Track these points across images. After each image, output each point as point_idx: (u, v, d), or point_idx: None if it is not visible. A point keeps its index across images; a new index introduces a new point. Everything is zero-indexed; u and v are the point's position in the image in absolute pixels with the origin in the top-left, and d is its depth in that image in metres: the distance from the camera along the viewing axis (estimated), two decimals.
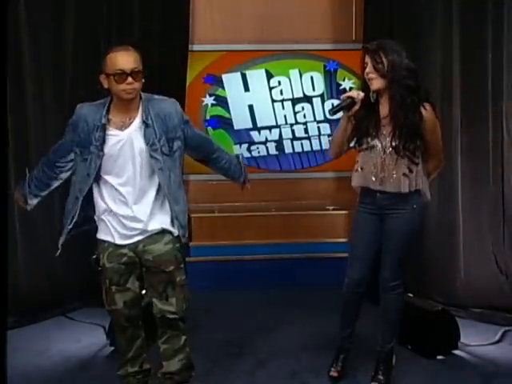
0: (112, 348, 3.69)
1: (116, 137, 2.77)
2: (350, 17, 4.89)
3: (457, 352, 3.67)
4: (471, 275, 4.24)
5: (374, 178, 3.13)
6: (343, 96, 3.12)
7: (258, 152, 5.05)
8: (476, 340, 3.80)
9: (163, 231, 2.85)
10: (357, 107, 3.06)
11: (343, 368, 3.38)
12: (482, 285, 4.21)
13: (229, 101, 4.95)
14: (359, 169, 3.18)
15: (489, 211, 4.23)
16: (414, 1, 4.33)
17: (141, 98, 2.81)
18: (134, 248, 2.84)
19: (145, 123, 2.77)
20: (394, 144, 3.05)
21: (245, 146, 5.01)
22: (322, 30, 4.92)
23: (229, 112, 4.96)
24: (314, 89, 4.98)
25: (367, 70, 3.04)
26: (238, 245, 4.81)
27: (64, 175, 3.01)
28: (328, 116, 4.94)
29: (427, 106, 3.05)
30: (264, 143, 5.04)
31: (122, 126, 2.78)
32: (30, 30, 4.10)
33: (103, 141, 2.76)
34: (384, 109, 3.10)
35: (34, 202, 3.10)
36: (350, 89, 4.90)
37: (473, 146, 4.24)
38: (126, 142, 2.77)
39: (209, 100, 4.93)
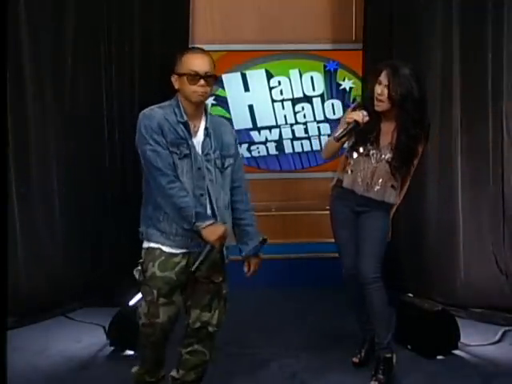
0: (112, 348, 3.70)
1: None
2: (350, 17, 4.88)
3: (457, 352, 3.67)
4: (471, 275, 4.25)
5: (360, 183, 3.24)
6: (348, 119, 3.13)
7: (258, 152, 5.04)
8: (476, 340, 3.80)
9: None
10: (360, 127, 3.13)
11: (367, 356, 3.46)
12: (482, 285, 4.21)
13: (229, 101, 4.94)
14: (349, 171, 3.26)
15: (489, 211, 4.23)
16: (414, 1, 4.34)
17: (205, 107, 2.80)
18: (187, 257, 2.76)
19: (207, 131, 2.75)
20: (393, 163, 3.18)
21: (245, 146, 5.01)
22: (322, 30, 4.91)
23: (229, 112, 4.96)
24: (314, 89, 4.98)
25: (379, 91, 3.11)
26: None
27: None
28: (328, 116, 4.96)
29: (422, 145, 3.22)
30: (264, 143, 5.04)
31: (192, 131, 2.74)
32: (29, 30, 4.10)
33: (189, 140, 2.71)
34: (387, 127, 3.20)
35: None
36: (350, 89, 4.91)
37: (473, 146, 4.24)
38: (195, 149, 2.73)
39: (209, 100, 4.91)
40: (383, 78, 3.11)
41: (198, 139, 2.76)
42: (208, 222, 2.64)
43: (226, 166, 2.80)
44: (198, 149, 2.74)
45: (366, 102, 3.23)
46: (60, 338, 3.94)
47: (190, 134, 2.73)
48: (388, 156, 3.19)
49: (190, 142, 2.71)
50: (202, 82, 2.68)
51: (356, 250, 3.31)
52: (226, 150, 2.81)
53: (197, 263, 2.63)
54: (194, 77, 2.67)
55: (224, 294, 2.88)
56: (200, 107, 2.77)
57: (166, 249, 2.74)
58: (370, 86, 3.20)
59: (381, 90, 3.10)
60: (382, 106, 3.14)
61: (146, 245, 2.80)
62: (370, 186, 3.22)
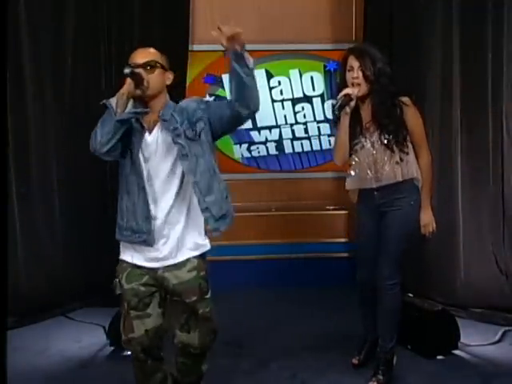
0: (112, 348, 3.70)
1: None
2: (350, 17, 4.89)
3: (457, 352, 3.67)
4: (471, 275, 4.24)
5: (369, 177, 3.19)
6: (340, 94, 3.11)
7: (258, 152, 5.05)
8: (476, 340, 3.80)
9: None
10: (353, 103, 3.09)
11: (366, 358, 3.44)
12: (482, 285, 4.21)
13: None
14: (352, 172, 3.24)
15: (489, 211, 4.23)
16: (414, 1, 4.34)
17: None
18: (153, 273, 2.63)
19: (163, 119, 2.60)
20: (384, 141, 3.12)
21: (245, 145, 5.01)
22: (322, 30, 4.92)
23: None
24: (313, 89, 4.98)
25: (355, 74, 3.09)
26: (238, 245, 4.80)
27: None
28: (328, 116, 4.95)
29: (405, 99, 3.13)
30: (264, 143, 5.04)
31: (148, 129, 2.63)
32: (29, 30, 4.10)
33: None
34: (366, 111, 3.17)
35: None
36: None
37: (473, 146, 4.24)
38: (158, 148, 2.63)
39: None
40: (353, 62, 3.10)
41: (156, 130, 2.61)
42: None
43: (198, 131, 2.60)
44: (155, 138, 2.59)
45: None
46: (60, 337, 3.94)
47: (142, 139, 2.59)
48: (377, 135, 3.14)
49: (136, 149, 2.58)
50: (140, 71, 2.54)
51: (375, 258, 3.25)
52: (193, 116, 2.60)
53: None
54: (132, 67, 2.55)
55: (201, 314, 2.64)
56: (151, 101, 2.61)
57: (130, 260, 2.65)
58: (341, 77, 3.18)
59: (356, 72, 3.08)
60: (362, 89, 3.10)
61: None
62: (379, 173, 3.16)
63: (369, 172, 3.18)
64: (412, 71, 4.31)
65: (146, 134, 2.62)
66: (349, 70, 3.12)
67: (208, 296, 2.67)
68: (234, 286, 4.64)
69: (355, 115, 3.16)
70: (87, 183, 4.44)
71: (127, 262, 2.66)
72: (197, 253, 2.66)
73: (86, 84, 4.42)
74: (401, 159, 3.15)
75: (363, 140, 3.18)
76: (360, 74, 3.08)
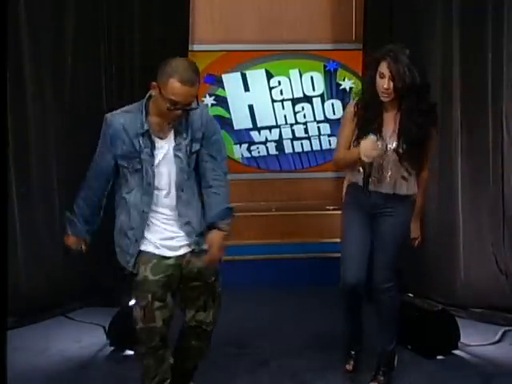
0: (112, 348, 3.70)
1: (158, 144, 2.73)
2: (350, 17, 4.88)
3: (457, 352, 3.67)
4: (471, 275, 4.25)
5: (371, 178, 3.09)
6: (367, 158, 2.98)
7: (258, 152, 5.04)
8: (476, 340, 3.80)
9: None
10: None
11: (358, 363, 3.41)
12: (482, 285, 4.21)
13: (229, 101, 4.94)
14: (361, 168, 3.08)
15: (489, 211, 4.23)
16: (414, 1, 4.34)
17: None
18: (180, 259, 2.78)
19: (176, 129, 2.73)
20: (399, 151, 3.04)
21: (245, 145, 5.01)
22: (322, 30, 4.91)
23: (229, 112, 4.96)
24: (313, 89, 4.98)
25: (386, 85, 2.96)
26: (238, 245, 4.80)
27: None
28: (328, 116, 4.96)
29: (433, 133, 3.11)
30: (264, 143, 5.04)
31: (162, 134, 2.73)
32: (29, 30, 4.10)
33: (153, 147, 2.70)
34: (391, 116, 3.08)
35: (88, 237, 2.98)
36: (350, 89, 4.90)
37: (473, 146, 4.24)
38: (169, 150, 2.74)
39: (209, 100, 4.92)
40: (384, 69, 2.97)
41: (169, 139, 2.74)
42: (68, 232, 2.89)
43: (192, 151, 2.75)
44: (170, 146, 2.72)
45: (368, 95, 3.10)
46: (60, 337, 3.94)
47: (153, 143, 2.70)
48: (394, 144, 3.06)
49: (142, 157, 2.70)
50: (179, 112, 2.63)
51: (361, 259, 3.17)
52: (194, 135, 2.75)
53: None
54: (175, 105, 2.60)
55: (218, 293, 2.90)
56: None
57: (156, 251, 2.76)
58: (370, 76, 3.07)
59: (387, 84, 2.96)
60: (388, 97, 3.01)
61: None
62: (380, 179, 3.08)
63: (372, 174, 3.08)
64: None
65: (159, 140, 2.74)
66: (380, 77, 2.99)
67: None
68: (234, 286, 4.60)
69: (374, 109, 3.06)
70: None
71: (153, 254, 2.75)
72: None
73: (86, 84, 4.42)
74: (409, 173, 3.09)
75: (377, 139, 3.04)
76: (391, 84, 2.96)
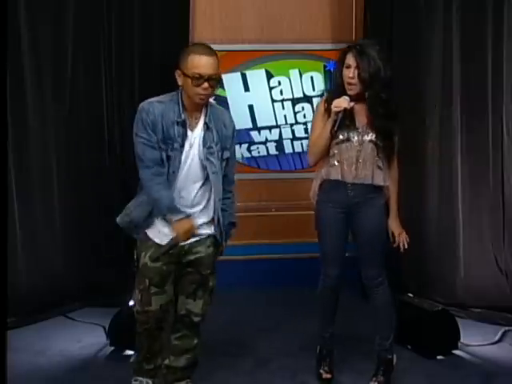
0: (112, 348, 3.70)
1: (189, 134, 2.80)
2: (350, 17, 4.88)
3: (457, 352, 3.68)
4: (471, 275, 4.25)
5: (348, 170, 3.14)
6: (337, 108, 3.07)
7: (258, 152, 5.04)
8: (476, 340, 3.80)
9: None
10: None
11: (331, 368, 3.38)
12: (481, 285, 4.21)
13: (229, 101, 4.93)
14: (336, 162, 3.16)
15: (489, 211, 4.24)
16: (414, 1, 4.34)
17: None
18: (180, 248, 2.85)
19: (207, 125, 2.81)
20: (379, 143, 3.11)
21: (245, 145, 5.01)
22: (322, 30, 4.91)
23: (229, 112, 4.95)
24: (314, 89, 4.98)
25: (351, 74, 3.06)
26: (238, 245, 4.79)
27: None
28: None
29: (396, 126, 3.17)
30: (264, 143, 5.03)
31: (190, 126, 2.80)
32: (29, 30, 4.10)
33: (185, 137, 2.78)
34: (361, 110, 3.13)
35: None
36: None
37: (473, 146, 4.24)
38: (194, 141, 2.80)
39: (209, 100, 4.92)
40: (350, 60, 3.06)
41: (197, 132, 2.81)
42: (178, 217, 2.75)
43: (224, 157, 2.88)
44: (198, 142, 2.81)
45: (336, 89, 3.17)
46: (60, 337, 3.94)
47: (186, 134, 2.78)
48: (371, 136, 3.12)
49: (174, 145, 2.76)
50: (205, 84, 2.70)
51: (340, 256, 3.29)
52: (224, 143, 2.87)
53: (160, 252, 2.79)
54: (198, 80, 2.69)
55: (210, 286, 2.96)
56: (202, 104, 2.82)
57: (157, 240, 2.85)
58: (338, 70, 3.15)
59: (352, 73, 3.05)
60: (354, 88, 3.07)
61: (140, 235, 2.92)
62: (358, 171, 3.13)
63: (349, 165, 3.13)
64: (412, 71, 4.32)
65: (189, 131, 2.80)
66: (346, 67, 3.09)
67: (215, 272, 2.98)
68: (234, 286, 4.63)
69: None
70: (87, 183, 4.43)
71: (153, 241, 2.83)
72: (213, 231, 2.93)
73: (86, 84, 4.42)
74: (381, 166, 3.15)
75: (351, 134, 3.12)
76: (356, 73, 3.05)
